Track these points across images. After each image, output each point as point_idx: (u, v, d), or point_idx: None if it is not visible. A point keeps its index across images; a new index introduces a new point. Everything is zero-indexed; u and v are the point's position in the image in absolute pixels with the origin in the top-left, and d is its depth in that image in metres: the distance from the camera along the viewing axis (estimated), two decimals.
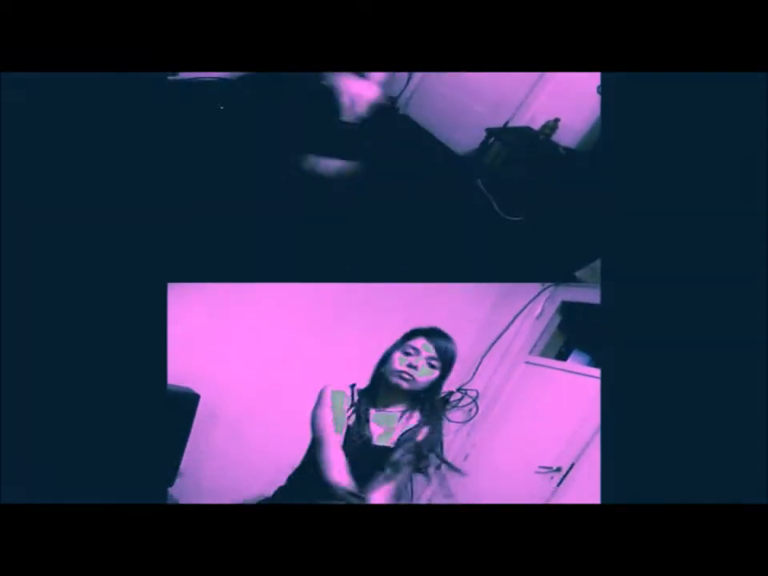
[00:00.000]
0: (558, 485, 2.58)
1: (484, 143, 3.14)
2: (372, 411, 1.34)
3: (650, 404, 1.11)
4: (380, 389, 1.34)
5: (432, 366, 1.29)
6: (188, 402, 2.00)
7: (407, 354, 1.29)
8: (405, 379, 1.27)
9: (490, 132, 3.06)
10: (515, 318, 2.94)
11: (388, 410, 1.34)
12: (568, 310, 2.88)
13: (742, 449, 1.09)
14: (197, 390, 2.03)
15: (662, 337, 1.12)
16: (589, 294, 2.65)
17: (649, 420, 1.11)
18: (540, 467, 2.63)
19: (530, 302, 2.90)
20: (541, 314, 2.89)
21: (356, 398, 1.35)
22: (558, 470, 2.58)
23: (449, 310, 2.81)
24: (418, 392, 1.32)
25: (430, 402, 1.36)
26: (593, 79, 2.34)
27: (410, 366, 1.27)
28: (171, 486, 2.05)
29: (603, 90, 1.24)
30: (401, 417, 1.34)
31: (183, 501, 2.08)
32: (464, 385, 3.00)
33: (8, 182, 1.09)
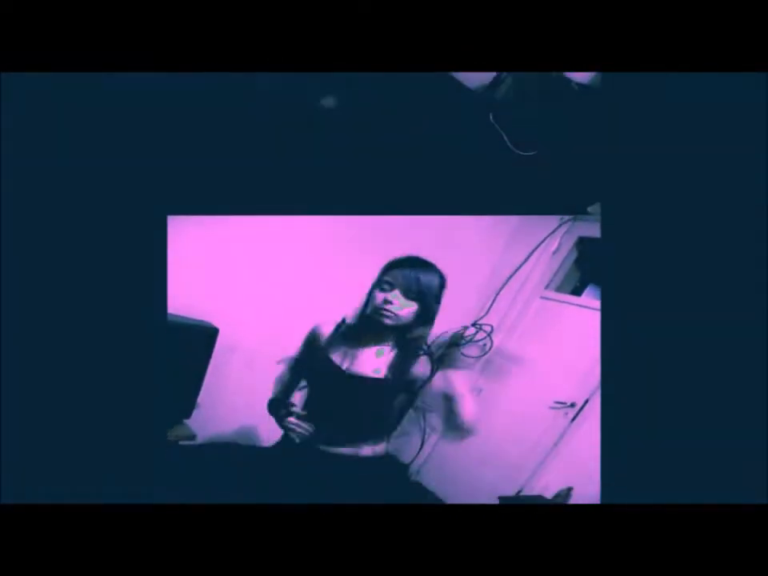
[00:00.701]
0: (572, 420, 2.55)
1: (496, 78, 2.96)
2: (357, 352, 1.31)
3: (650, 404, 1.12)
4: (368, 327, 1.30)
5: (409, 298, 1.23)
6: (207, 335, 2.00)
7: (383, 289, 1.24)
8: (385, 315, 1.23)
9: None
10: (532, 252, 2.90)
11: (373, 348, 1.31)
12: (585, 246, 2.82)
13: (741, 449, 1.09)
14: (214, 324, 2.05)
15: (661, 334, 1.12)
16: None
17: (649, 420, 1.11)
18: (555, 402, 2.60)
19: (547, 237, 2.86)
20: (557, 249, 2.85)
21: (337, 333, 1.34)
22: (573, 405, 2.56)
23: (464, 243, 2.79)
24: (405, 327, 1.27)
25: (407, 340, 1.30)
26: None
27: (385, 301, 1.22)
28: (189, 417, 2.06)
29: (603, 90, 1.24)
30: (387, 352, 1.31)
31: (200, 433, 2.12)
32: (479, 319, 2.97)
33: (8, 182, 1.09)
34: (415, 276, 1.24)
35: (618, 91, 1.16)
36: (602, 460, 1.13)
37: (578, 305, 2.77)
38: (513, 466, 2.94)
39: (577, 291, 2.92)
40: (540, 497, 2.77)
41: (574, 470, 2.49)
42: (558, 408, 2.62)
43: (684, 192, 1.12)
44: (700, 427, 1.10)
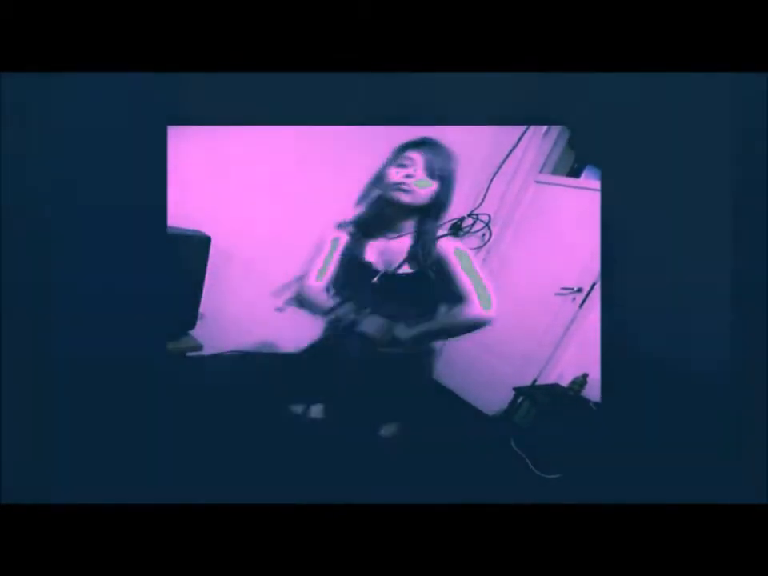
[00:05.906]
0: (581, 306, 2.49)
1: (512, 402, 2.96)
2: (370, 242, 1.30)
3: (648, 404, 1.11)
4: (378, 211, 1.28)
5: (431, 176, 1.22)
6: (200, 245, 1.98)
7: (402, 165, 1.22)
8: (404, 190, 1.21)
9: (519, 391, 2.85)
10: (521, 136, 2.74)
11: (387, 236, 1.29)
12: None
13: (741, 449, 1.09)
14: (208, 233, 2.04)
15: (657, 340, 1.13)
16: None
17: (648, 419, 1.11)
18: (561, 288, 2.54)
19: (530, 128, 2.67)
20: (548, 130, 2.70)
21: (347, 236, 1.31)
22: (579, 290, 2.49)
23: (451, 132, 2.79)
24: (422, 208, 1.25)
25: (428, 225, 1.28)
26: None
27: (407, 176, 1.20)
28: (193, 329, 2.05)
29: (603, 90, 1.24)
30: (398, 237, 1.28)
31: (206, 344, 2.11)
32: (475, 210, 2.86)
33: (8, 183, 1.09)
34: (438, 154, 1.22)
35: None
36: (603, 460, 1.14)
37: (576, 186, 2.59)
38: (524, 358, 2.84)
39: (574, 173, 2.74)
40: (556, 385, 2.69)
41: (587, 355, 2.40)
42: (565, 294, 2.53)
43: (683, 191, 1.13)
44: (700, 427, 1.10)
